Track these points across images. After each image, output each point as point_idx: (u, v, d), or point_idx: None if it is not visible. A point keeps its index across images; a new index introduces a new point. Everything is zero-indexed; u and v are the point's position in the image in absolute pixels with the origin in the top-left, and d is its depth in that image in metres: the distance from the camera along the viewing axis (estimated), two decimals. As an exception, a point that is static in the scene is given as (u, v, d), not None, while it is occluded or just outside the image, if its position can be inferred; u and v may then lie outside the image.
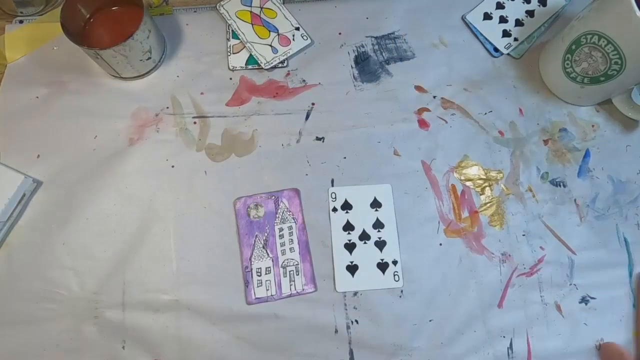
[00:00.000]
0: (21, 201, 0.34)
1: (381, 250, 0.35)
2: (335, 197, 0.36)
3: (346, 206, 0.36)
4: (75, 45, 0.34)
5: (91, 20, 0.38)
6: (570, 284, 0.35)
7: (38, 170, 0.36)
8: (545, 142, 0.40)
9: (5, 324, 0.32)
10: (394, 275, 0.35)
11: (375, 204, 0.37)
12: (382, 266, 0.35)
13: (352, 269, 0.35)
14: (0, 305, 0.33)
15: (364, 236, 0.36)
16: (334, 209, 0.36)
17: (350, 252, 0.35)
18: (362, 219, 0.36)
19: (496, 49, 0.42)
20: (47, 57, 0.39)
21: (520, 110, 0.41)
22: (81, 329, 0.32)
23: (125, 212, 0.35)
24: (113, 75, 0.38)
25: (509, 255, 0.36)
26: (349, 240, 0.35)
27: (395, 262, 0.35)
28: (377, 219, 0.36)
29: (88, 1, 0.37)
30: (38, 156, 0.36)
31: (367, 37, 0.42)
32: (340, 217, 0.36)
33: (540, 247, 0.37)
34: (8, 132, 0.37)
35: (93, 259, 0.34)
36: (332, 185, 0.37)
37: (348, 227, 0.36)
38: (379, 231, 0.36)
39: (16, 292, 0.33)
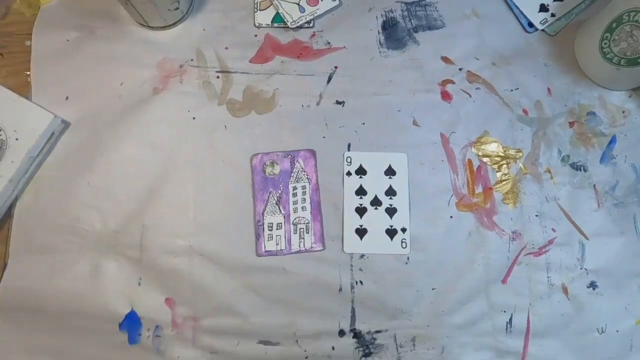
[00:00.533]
0: (50, 139, 0.36)
1: (391, 217, 0.36)
2: (351, 162, 0.37)
3: (360, 171, 0.37)
4: (106, -10, 0.34)
5: (123, -35, 0.37)
6: (581, 268, 0.35)
7: (66, 112, 0.37)
8: (571, 124, 0.39)
9: (32, 252, 0.34)
10: (402, 242, 0.35)
11: (390, 172, 0.37)
12: (391, 232, 0.36)
13: (361, 232, 0.35)
14: (29, 234, 0.35)
15: (376, 202, 0.36)
16: (348, 173, 0.37)
17: (361, 216, 0.36)
18: (375, 185, 0.36)
19: (531, 24, 0.40)
20: (79, 1, 0.40)
21: (549, 89, 0.39)
22: (101, 262, 0.34)
23: (147, 159, 0.36)
24: (141, 24, 0.39)
25: (520, 234, 0.36)
26: (360, 205, 0.36)
27: (404, 230, 0.36)
28: (390, 187, 0.36)
29: (120, -54, 0.37)
30: (67, 98, 0.38)
31: (397, 2, 0.41)
32: (354, 182, 0.36)
33: (552, 229, 0.36)
34: (39, 73, 0.38)
35: (115, 200, 0.36)
36: (349, 150, 0.37)
37: (360, 191, 0.36)
38: (390, 198, 0.36)
39: (43, 224, 0.35)
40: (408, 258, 0.35)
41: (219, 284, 0.34)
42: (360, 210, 0.36)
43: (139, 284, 0.34)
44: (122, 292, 0.34)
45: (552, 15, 0.40)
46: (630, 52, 0.35)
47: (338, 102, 0.38)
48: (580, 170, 0.38)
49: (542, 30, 0.40)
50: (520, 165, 0.38)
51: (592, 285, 0.35)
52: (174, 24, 0.39)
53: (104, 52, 0.39)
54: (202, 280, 0.34)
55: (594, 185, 0.37)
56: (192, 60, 0.39)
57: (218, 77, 0.38)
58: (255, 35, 0.40)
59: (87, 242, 0.35)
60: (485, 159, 0.38)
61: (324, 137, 0.37)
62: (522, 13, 0.41)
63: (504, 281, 0.35)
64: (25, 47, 0.39)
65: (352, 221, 0.36)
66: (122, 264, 0.34)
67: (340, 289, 0.35)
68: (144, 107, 0.37)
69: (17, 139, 0.34)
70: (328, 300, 0.34)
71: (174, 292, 0.34)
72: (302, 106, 0.38)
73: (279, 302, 0.34)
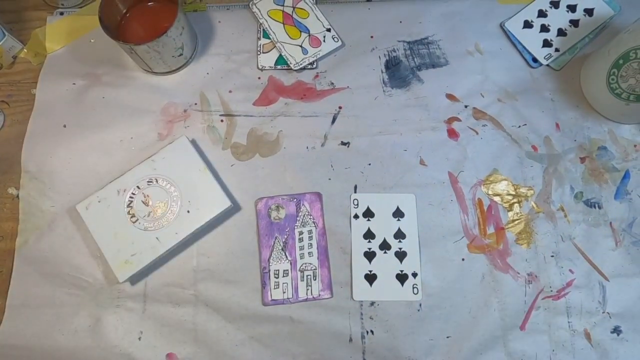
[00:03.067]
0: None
1: (401, 261, 0.35)
2: (358, 204, 0.36)
3: (368, 214, 0.36)
4: (110, 39, 0.34)
5: (127, 15, 0.38)
6: (603, 312, 0.34)
7: (67, 158, 0.37)
8: (582, 160, 0.38)
9: (30, 306, 0.33)
10: (413, 288, 0.34)
11: (398, 214, 0.36)
12: (402, 278, 0.34)
13: (370, 278, 0.34)
14: (28, 287, 0.34)
15: (385, 245, 0.35)
16: (356, 216, 0.36)
17: (370, 261, 0.35)
18: (384, 227, 0.35)
19: (535, 60, 0.40)
20: (84, 49, 0.40)
21: (557, 124, 0.39)
22: (101, 316, 0.33)
23: (149, 205, 0.36)
24: (145, 70, 0.39)
25: (535, 276, 0.35)
26: (369, 249, 0.35)
27: (415, 275, 0.34)
28: (399, 229, 0.35)
29: (126, -4, 0.37)
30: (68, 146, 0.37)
31: (399, 41, 0.41)
32: (362, 225, 0.35)
33: (570, 270, 0.35)
34: (43, 120, 0.38)
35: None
36: (355, 192, 0.36)
37: (369, 235, 0.35)
38: (400, 241, 0.35)
39: (44, 275, 0.34)
40: (420, 304, 0.34)
41: (224, 335, 0.33)
42: (369, 255, 0.35)
43: (139, 339, 0.33)
44: (122, 347, 0.32)
45: (556, 50, 0.40)
46: (640, 89, 0.34)
47: (343, 143, 0.38)
48: (594, 207, 0.37)
49: (547, 65, 0.40)
50: (532, 203, 0.37)
51: (616, 330, 0.33)
52: (178, 69, 0.39)
53: (108, 99, 0.39)
54: (207, 332, 0.33)
55: (610, 223, 0.36)
56: (195, 104, 0.39)
57: (222, 120, 0.38)
58: (259, 78, 0.40)
59: (87, 294, 0.34)
60: (495, 198, 0.37)
61: (329, 179, 0.37)
62: (525, 49, 0.41)
63: (522, 327, 0.34)
64: (31, 95, 0.39)
65: (361, 266, 0.35)
66: (123, 317, 0.33)
67: (351, 339, 0.33)
68: (148, 153, 0.37)
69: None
70: (338, 351, 0.33)
71: (176, 346, 0.33)
72: (307, 148, 0.38)
73: (287, 353, 0.33)
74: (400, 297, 0.34)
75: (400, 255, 0.35)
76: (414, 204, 0.36)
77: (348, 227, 0.35)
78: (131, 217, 0.33)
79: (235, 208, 0.36)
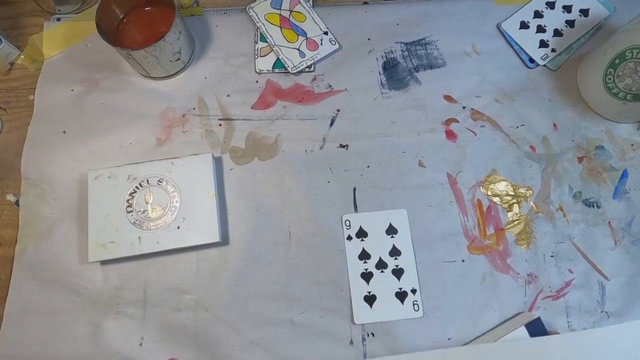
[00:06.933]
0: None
1: (399, 279, 0.34)
2: (350, 225, 0.35)
3: (361, 234, 0.35)
4: (108, 44, 0.34)
5: (124, 20, 0.38)
6: (602, 311, 0.34)
7: (66, 164, 0.37)
8: (580, 159, 0.38)
9: (30, 313, 0.33)
10: (414, 305, 0.34)
11: (391, 231, 0.35)
12: (401, 295, 0.34)
13: (370, 299, 0.34)
14: (28, 293, 0.34)
15: (381, 264, 0.34)
16: (349, 237, 0.35)
17: (368, 282, 0.34)
18: (378, 246, 0.35)
19: (532, 60, 0.40)
20: (82, 55, 0.40)
21: (555, 125, 0.39)
22: (101, 323, 0.33)
23: (149, 211, 0.36)
24: (143, 75, 0.39)
25: (535, 277, 0.35)
26: (366, 270, 0.34)
27: (414, 291, 0.34)
28: (394, 246, 0.35)
29: (122, 1, 0.37)
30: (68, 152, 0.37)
31: (396, 43, 0.41)
32: (356, 245, 0.35)
33: (569, 270, 0.35)
34: (42, 127, 0.38)
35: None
36: (354, 194, 0.36)
37: (364, 255, 0.35)
38: (395, 259, 0.35)
39: (43, 282, 0.34)
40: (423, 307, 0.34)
41: (225, 339, 0.33)
42: (366, 276, 0.34)
43: (141, 345, 0.33)
44: (123, 354, 0.32)
45: (553, 50, 0.40)
46: (636, 88, 0.34)
47: (342, 146, 0.38)
48: (593, 206, 0.37)
49: (544, 65, 0.40)
50: (532, 203, 0.37)
51: (616, 329, 0.34)
52: (176, 74, 0.39)
53: (106, 104, 0.39)
54: (208, 337, 0.33)
55: (609, 222, 0.36)
56: (194, 108, 0.39)
57: (220, 124, 0.38)
58: (257, 82, 0.40)
59: (87, 300, 0.34)
60: (495, 199, 0.37)
61: (328, 181, 0.37)
62: (522, 49, 0.41)
63: (522, 328, 0.34)
64: (28, 101, 0.39)
65: (360, 288, 0.34)
66: (123, 323, 0.33)
67: (351, 342, 0.33)
68: (147, 159, 0.37)
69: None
70: (339, 354, 0.33)
71: (178, 351, 0.33)
72: (306, 151, 0.38)
73: (287, 357, 0.33)
74: (402, 316, 0.33)
75: (398, 272, 0.34)
76: (406, 219, 0.35)
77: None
78: (128, 205, 0.33)
79: (233, 212, 0.36)
